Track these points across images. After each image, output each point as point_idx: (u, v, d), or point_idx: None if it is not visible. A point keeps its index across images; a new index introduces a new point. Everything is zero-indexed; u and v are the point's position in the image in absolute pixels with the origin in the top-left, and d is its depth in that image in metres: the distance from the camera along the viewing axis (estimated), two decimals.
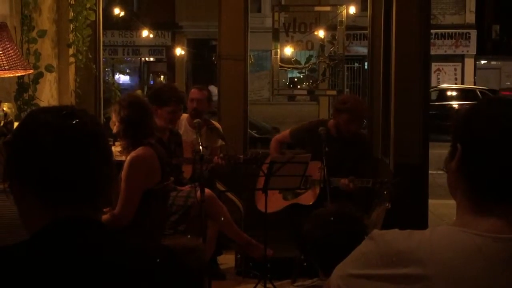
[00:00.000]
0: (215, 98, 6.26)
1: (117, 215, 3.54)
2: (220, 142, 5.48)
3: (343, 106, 4.87)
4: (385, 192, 4.58)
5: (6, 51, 3.65)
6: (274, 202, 4.81)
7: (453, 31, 23.61)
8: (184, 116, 5.46)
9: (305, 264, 2.76)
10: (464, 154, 1.27)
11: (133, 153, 3.61)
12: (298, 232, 4.53)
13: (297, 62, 6.88)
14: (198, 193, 4.04)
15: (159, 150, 3.72)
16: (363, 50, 16.91)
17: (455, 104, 19.30)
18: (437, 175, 9.14)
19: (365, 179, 4.61)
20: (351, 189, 4.59)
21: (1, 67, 3.61)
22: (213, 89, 8.47)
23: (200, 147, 4.21)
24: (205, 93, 5.38)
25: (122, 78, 25.10)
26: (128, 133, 3.65)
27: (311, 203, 4.77)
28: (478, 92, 19.51)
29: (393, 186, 4.60)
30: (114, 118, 3.72)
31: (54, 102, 5.46)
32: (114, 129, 3.70)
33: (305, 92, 7.14)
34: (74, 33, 5.56)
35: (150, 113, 3.82)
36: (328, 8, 6.83)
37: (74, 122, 1.26)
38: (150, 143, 3.70)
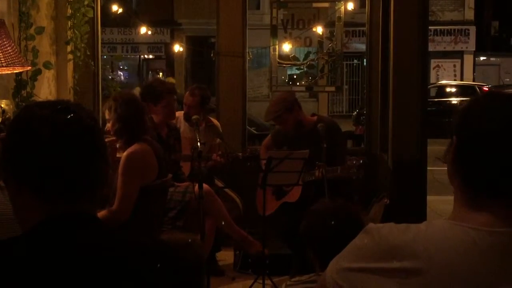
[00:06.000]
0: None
1: (115, 211, 3.54)
2: (218, 140, 5.47)
3: None
4: (354, 178, 4.58)
5: (4, 48, 3.64)
6: (270, 204, 4.84)
7: (452, 27, 23.61)
8: (181, 113, 5.45)
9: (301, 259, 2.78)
10: (458, 147, 1.28)
11: (129, 149, 3.61)
12: (288, 230, 4.57)
13: (295, 58, 6.88)
14: (196, 188, 4.03)
15: (155, 146, 3.73)
16: (362, 47, 16.91)
17: (454, 100, 19.29)
18: (436, 171, 9.14)
19: (334, 168, 4.59)
20: (321, 178, 4.53)
21: None
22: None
23: (198, 144, 4.21)
24: (196, 99, 5.27)
25: (121, 76, 25.10)
26: (125, 130, 3.65)
27: (295, 200, 4.80)
28: (477, 89, 19.52)
29: (359, 169, 4.57)
30: (108, 116, 3.69)
31: (52, 99, 5.46)
32: (109, 127, 3.69)
33: (303, 88, 7.14)
34: (72, 30, 5.55)
35: (144, 109, 3.84)
36: (326, 5, 6.82)
37: (69, 116, 1.26)
38: (146, 139, 3.71)
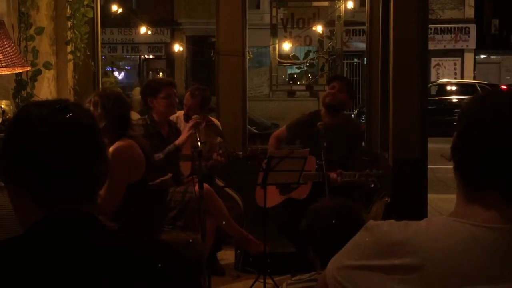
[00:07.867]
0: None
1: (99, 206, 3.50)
2: (218, 139, 5.47)
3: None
4: (372, 186, 4.60)
5: (4, 49, 3.65)
6: (272, 197, 4.82)
7: (453, 25, 23.61)
8: (182, 113, 5.45)
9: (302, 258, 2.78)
10: (456, 141, 1.29)
11: (115, 145, 3.53)
12: (291, 227, 4.56)
13: (295, 57, 6.89)
14: (196, 187, 4.03)
15: (140, 141, 3.68)
16: (363, 46, 16.90)
17: (454, 98, 19.30)
18: (437, 169, 9.13)
19: (351, 173, 4.60)
20: (338, 184, 4.55)
21: None
22: None
23: (199, 143, 4.20)
24: (196, 100, 5.24)
25: (121, 76, 25.11)
26: (113, 126, 3.59)
27: (303, 198, 4.79)
28: (478, 87, 19.52)
29: (378, 179, 4.60)
30: (95, 113, 3.64)
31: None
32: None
33: (304, 87, 7.14)
34: (72, 30, 5.55)
35: (129, 105, 3.86)
36: (326, 3, 6.82)
37: (67, 115, 1.25)
38: (131, 135, 3.66)
